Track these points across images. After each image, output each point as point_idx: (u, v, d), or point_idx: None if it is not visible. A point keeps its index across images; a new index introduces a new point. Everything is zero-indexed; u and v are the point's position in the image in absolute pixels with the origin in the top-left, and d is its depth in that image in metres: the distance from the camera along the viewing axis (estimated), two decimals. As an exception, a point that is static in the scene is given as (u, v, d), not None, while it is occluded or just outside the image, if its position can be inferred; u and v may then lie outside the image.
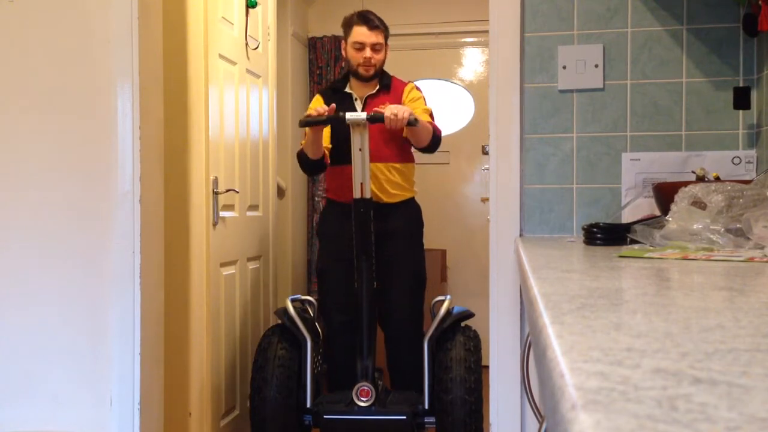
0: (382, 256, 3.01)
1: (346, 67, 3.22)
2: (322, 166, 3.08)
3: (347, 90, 3.11)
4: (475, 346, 2.89)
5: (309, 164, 3.05)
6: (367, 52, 3.02)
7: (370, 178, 2.89)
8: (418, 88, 3.18)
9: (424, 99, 3.17)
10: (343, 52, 3.16)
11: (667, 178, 2.03)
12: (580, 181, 2.11)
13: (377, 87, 3.10)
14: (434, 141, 3.04)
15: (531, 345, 1.52)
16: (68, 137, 2.38)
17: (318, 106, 3.11)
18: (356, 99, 3.09)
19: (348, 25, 3.09)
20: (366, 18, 3.06)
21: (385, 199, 3.05)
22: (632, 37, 2.10)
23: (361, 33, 3.03)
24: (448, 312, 2.92)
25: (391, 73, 3.22)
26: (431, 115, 3.14)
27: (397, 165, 3.08)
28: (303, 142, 3.13)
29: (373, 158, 2.98)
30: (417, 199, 3.23)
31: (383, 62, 3.10)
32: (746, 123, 2.06)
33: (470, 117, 4.99)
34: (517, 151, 2.13)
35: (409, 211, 3.15)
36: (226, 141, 3.08)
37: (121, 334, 2.34)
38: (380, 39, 3.06)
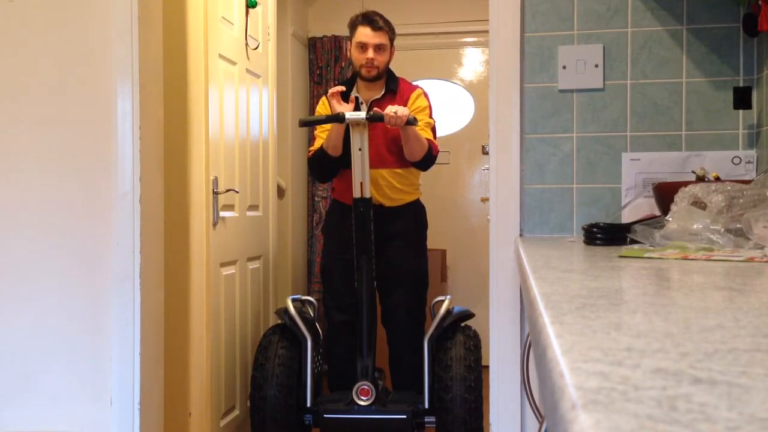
0: (384, 256, 3.02)
1: (351, 68, 3.21)
2: (338, 168, 3.06)
3: (354, 93, 3.10)
4: (474, 345, 2.89)
5: (327, 163, 3.02)
6: (370, 53, 3.01)
7: (371, 181, 2.89)
8: (425, 95, 3.14)
9: (430, 109, 3.12)
10: (348, 53, 3.15)
11: (667, 178, 2.03)
12: (580, 181, 2.11)
13: (383, 91, 3.09)
14: (428, 157, 2.99)
15: (531, 345, 1.52)
16: (68, 137, 2.38)
17: (324, 109, 3.11)
18: (362, 102, 3.08)
19: (353, 25, 3.08)
20: (370, 19, 3.04)
21: (387, 204, 3.05)
22: (632, 37, 2.10)
23: (364, 34, 3.03)
24: (448, 312, 2.93)
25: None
26: (433, 129, 3.10)
27: (399, 170, 3.07)
28: (311, 148, 3.12)
29: (376, 164, 2.97)
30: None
31: (387, 64, 3.08)
32: (746, 123, 2.06)
33: (470, 117, 4.99)
34: (517, 151, 2.12)
35: (413, 213, 3.15)
36: (226, 141, 3.08)
37: (121, 334, 2.34)
38: (384, 40, 3.04)
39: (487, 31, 2.27)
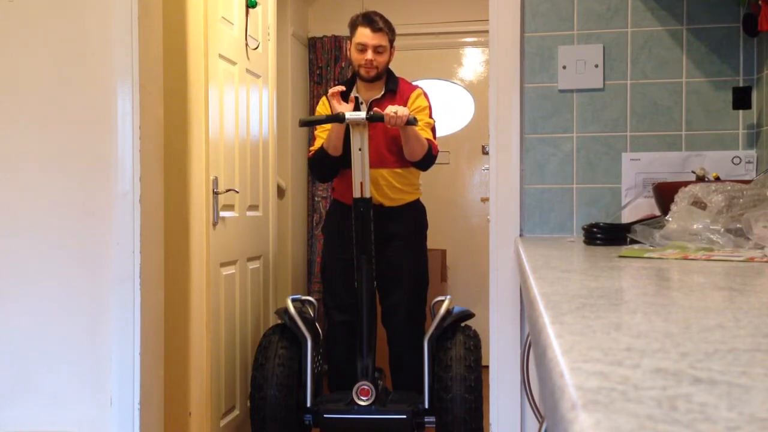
0: (384, 256, 3.02)
1: (351, 68, 3.21)
2: (338, 167, 3.06)
3: (354, 93, 3.10)
4: (474, 345, 2.89)
5: (328, 162, 3.02)
6: (369, 54, 3.01)
7: (371, 182, 2.89)
8: (425, 95, 3.14)
9: (430, 109, 3.12)
10: (348, 53, 3.15)
11: (667, 178, 2.03)
12: (580, 181, 2.11)
13: (383, 91, 3.09)
14: (428, 157, 2.99)
15: (531, 345, 1.52)
16: (68, 137, 2.38)
17: (324, 110, 3.12)
18: (362, 102, 3.08)
19: (353, 25, 3.08)
20: (370, 20, 3.04)
21: (387, 204, 3.05)
22: (632, 37, 2.10)
23: (364, 34, 3.03)
24: (448, 312, 2.93)
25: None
26: (433, 129, 3.10)
27: (400, 170, 3.07)
28: (312, 148, 3.13)
29: (376, 164, 2.97)
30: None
31: (386, 64, 3.08)
32: (746, 123, 2.06)
33: (470, 117, 4.99)
34: (517, 151, 2.13)
35: (413, 213, 3.15)
36: (226, 141, 3.08)
37: (121, 334, 2.34)
38: (383, 41, 3.04)
39: (487, 31, 2.27)
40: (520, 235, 2.13)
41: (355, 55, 3.05)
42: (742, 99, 2.03)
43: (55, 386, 2.38)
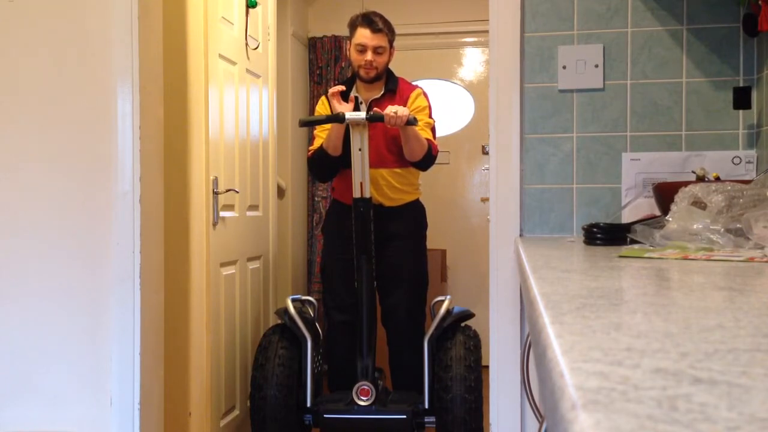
0: (384, 256, 3.02)
1: (350, 68, 3.21)
2: (337, 167, 3.06)
3: (354, 93, 3.10)
4: (474, 345, 2.89)
5: (327, 162, 3.02)
6: (369, 55, 3.01)
7: (371, 182, 2.89)
8: (425, 95, 3.13)
9: (430, 109, 3.12)
10: (348, 53, 3.15)
11: (667, 178, 2.03)
12: (580, 181, 2.11)
13: (382, 91, 3.09)
14: (427, 157, 2.99)
15: (531, 345, 1.52)
16: (68, 137, 2.38)
17: (323, 109, 3.11)
18: (361, 102, 3.08)
19: (352, 26, 3.08)
20: (370, 20, 3.04)
21: (387, 203, 3.05)
22: (632, 37, 2.10)
23: (363, 35, 3.02)
24: (448, 312, 2.93)
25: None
26: (433, 129, 3.10)
27: (399, 170, 3.07)
28: (311, 147, 3.13)
29: (376, 164, 2.97)
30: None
31: (386, 65, 3.08)
32: (746, 123, 2.06)
33: (470, 117, 4.99)
34: (517, 151, 2.12)
35: (412, 213, 3.15)
36: (226, 141, 3.08)
37: (121, 334, 2.34)
38: (383, 42, 3.03)
39: (487, 31, 2.27)
40: (520, 235, 2.13)
41: (354, 56, 3.05)
42: (742, 99, 2.03)
43: (55, 386, 2.38)
